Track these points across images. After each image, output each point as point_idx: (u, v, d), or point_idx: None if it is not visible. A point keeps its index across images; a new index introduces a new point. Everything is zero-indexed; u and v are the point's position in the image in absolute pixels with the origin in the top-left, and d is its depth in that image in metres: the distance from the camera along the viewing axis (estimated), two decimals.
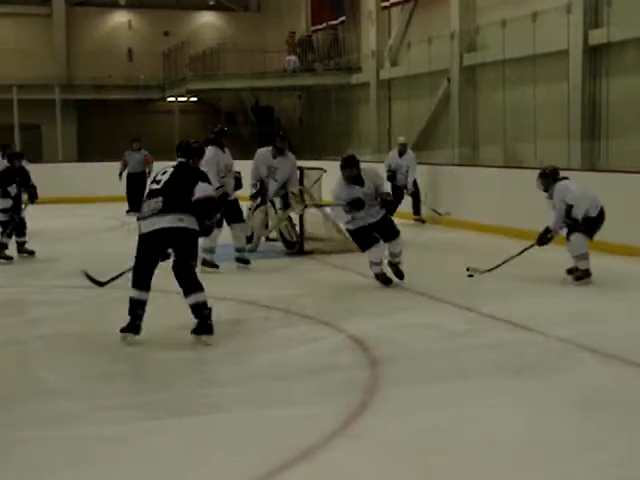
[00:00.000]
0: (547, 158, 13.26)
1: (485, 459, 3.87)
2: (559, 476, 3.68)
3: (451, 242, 11.64)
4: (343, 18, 21.89)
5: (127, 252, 6.32)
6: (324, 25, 22.65)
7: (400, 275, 8.16)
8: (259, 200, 10.43)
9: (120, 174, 16.06)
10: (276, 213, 10.41)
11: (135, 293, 5.94)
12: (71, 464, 3.90)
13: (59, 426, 4.40)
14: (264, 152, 10.38)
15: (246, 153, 12.84)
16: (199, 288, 5.89)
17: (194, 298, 5.85)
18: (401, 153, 13.54)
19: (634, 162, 11.87)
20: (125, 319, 5.95)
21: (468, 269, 8.32)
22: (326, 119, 22.59)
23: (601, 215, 7.91)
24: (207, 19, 27.06)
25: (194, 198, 5.91)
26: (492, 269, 8.22)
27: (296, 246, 10.48)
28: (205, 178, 6.23)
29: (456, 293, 7.67)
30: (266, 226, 10.72)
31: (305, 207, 10.31)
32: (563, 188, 7.96)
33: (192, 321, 5.92)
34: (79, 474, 3.81)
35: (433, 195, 13.47)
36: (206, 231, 6.20)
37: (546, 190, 8.08)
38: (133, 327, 5.91)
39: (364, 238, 8.01)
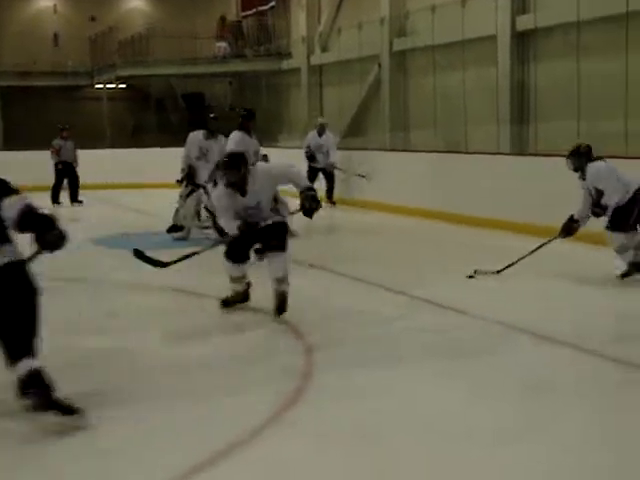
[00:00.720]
0: (477, 142, 13.44)
1: (422, 445, 3.88)
2: (498, 460, 3.71)
3: (378, 225, 11.68)
4: (273, 3, 21.76)
5: None
6: (254, 10, 22.49)
7: (281, 308, 6.25)
8: (190, 187, 10.31)
9: (57, 164, 15.61)
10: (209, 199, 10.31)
11: None
12: (4, 455, 3.80)
13: None
14: (196, 134, 10.30)
15: (176, 140, 12.68)
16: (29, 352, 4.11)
17: (23, 367, 4.06)
18: (320, 133, 13.73)
19: (561, 146, 12.07)
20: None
21: (475, 272, 7.58)
22: (257, 105, 22.37)
23: (631, 203, 7.20)
24: (135, 4, 26.61)
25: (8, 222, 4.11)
26: (503, 269, 7.64)
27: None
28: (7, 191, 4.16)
29: (389, 277, 7.69)
30: (199, 215, 10.61)
31: None
32: (596, 170, 7.33)
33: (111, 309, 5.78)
34: (12, 464, 3.71)
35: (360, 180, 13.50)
36: (50, 245, 4.15)
37: (577, 170, 7.48)
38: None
39: (236, 247, 6.46)
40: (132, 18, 25.60)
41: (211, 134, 10.17)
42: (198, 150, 10.14)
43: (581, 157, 7.44)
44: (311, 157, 13.48)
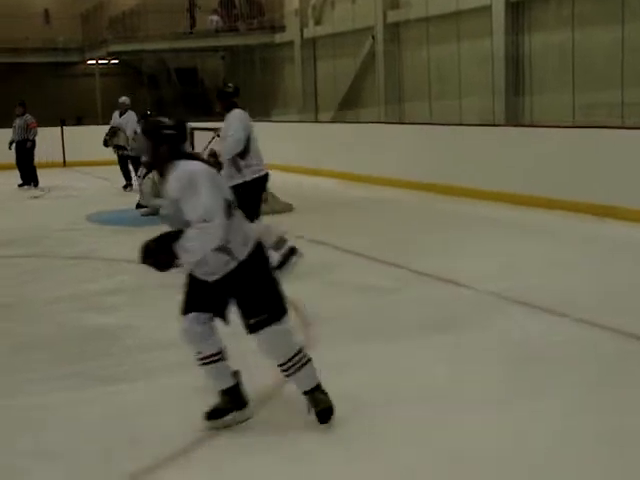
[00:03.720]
0: (472, 114, 13.39)
1: (418, 414, 3.89)
2: (492, 427, 3.73)
3: (374, 198, 11.66)
4: None
5: None
6: None
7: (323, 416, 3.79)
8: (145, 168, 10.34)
9: (11, 143, 14.98)
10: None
11: None
12: (1, 434, 3.80)
13: None
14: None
15: (170, 115, 12.60)
16: None
17: None
18: (121, 113, 13.63)
19: (556, 116, 12.04)
20: (47, 288, 5.79)
21: None
22: (251, 80, 22.32)
23: None
24: None
25: None
26: None
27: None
28: None
29: (385, 250, 7.68)
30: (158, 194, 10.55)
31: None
32: None
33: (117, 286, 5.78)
34: (11, 444, 3.73)
35: (360, 154, 13.46)
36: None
37: None
38: None
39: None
40: None
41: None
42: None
43: None
44: (113, 134, 13.45)
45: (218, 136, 10.51)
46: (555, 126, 10.60)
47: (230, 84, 7.74)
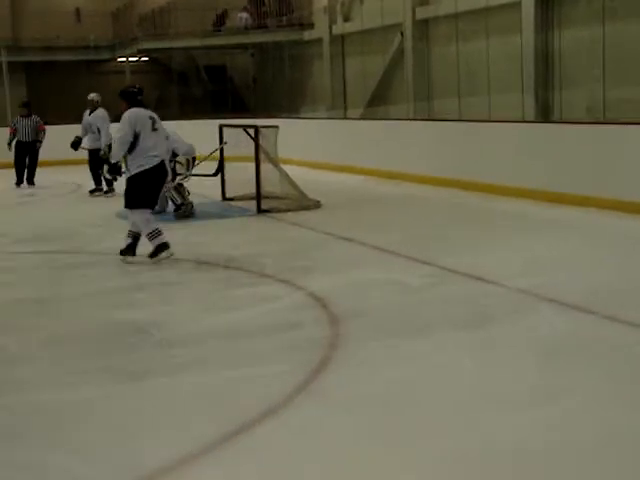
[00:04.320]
0: (501, 110, 13.35)
1: (449, 410, 3.92)
2: (523, 423, 3.74)
3: (403, 195, 11.67)
4: None
5: None
6: None
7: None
8: None
9: (9, 143, 14.70)
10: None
11: None
12: (37, 430, 3.87)
13: (21, 392, 4.36)
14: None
15: (199, 112, 12.70)
16: None
17: None
18: (91, 111, 12.87)
19: (583, 112, 11.98)
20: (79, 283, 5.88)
21: None
22: (280, 76, 22.40)
23: None
24: None
25: None
26: None
27: (184, 207, 10.22)
28: None
29: (414, 247, 7.70)
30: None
31: (187, 176, 10.21)
32: None
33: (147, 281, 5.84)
34: (45, 440, 3.79)
35: (389, 150, 13.47)
36: None
37: None
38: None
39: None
40: None
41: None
42: None
43: None
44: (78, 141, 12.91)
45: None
46: (583, 122, 10.55)
47: (136, 85, 8.06)
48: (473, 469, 3.35)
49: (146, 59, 24.83)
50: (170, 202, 10.33)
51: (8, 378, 4.61)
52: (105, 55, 24.57)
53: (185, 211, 10.17)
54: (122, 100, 7.70)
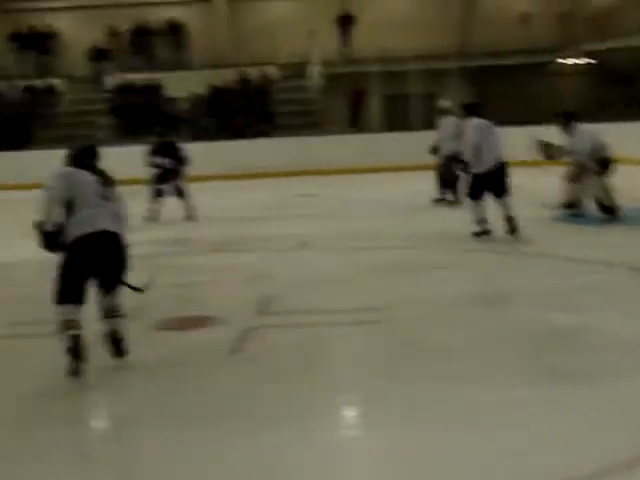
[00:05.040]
0: None
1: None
2: None
3: None
4: None
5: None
6: None
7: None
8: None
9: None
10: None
11: None
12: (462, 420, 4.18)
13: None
14: None
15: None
16: None
17: None
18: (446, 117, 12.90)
19: None
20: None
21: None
22: None
23: None
24: None
25: None
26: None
27: (615, 212, 9.76)
28: None
29: None
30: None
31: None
32: None
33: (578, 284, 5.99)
34: (461, 430, 4.06)
35: None
36: None
37: None
38: None
39: None
40: None
41: None
42: None
43: None
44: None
45: None
46: None
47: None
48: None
49: (589, 61, 24.56)
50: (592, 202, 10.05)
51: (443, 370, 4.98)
52: (547, 58, 24.80)
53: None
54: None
